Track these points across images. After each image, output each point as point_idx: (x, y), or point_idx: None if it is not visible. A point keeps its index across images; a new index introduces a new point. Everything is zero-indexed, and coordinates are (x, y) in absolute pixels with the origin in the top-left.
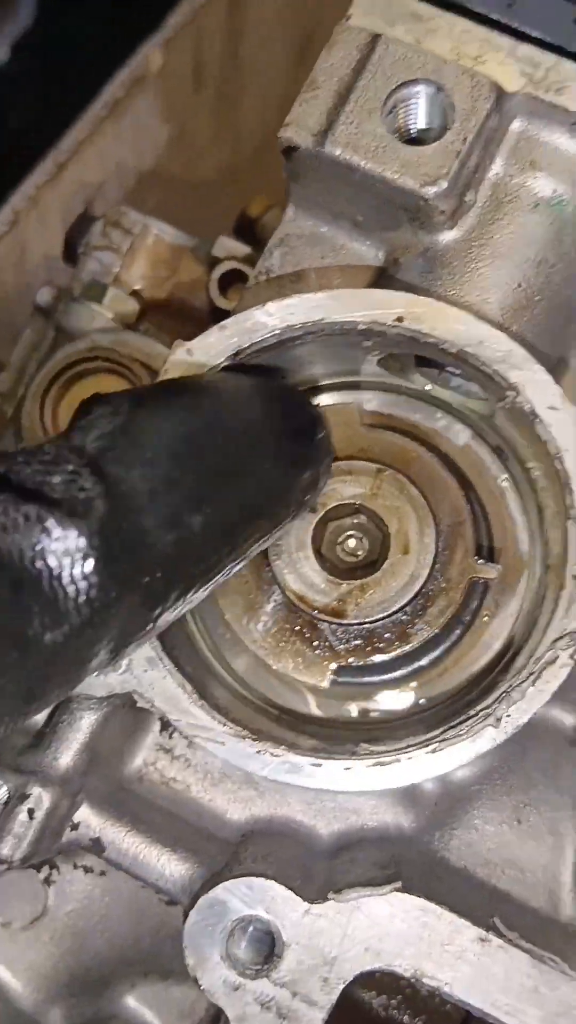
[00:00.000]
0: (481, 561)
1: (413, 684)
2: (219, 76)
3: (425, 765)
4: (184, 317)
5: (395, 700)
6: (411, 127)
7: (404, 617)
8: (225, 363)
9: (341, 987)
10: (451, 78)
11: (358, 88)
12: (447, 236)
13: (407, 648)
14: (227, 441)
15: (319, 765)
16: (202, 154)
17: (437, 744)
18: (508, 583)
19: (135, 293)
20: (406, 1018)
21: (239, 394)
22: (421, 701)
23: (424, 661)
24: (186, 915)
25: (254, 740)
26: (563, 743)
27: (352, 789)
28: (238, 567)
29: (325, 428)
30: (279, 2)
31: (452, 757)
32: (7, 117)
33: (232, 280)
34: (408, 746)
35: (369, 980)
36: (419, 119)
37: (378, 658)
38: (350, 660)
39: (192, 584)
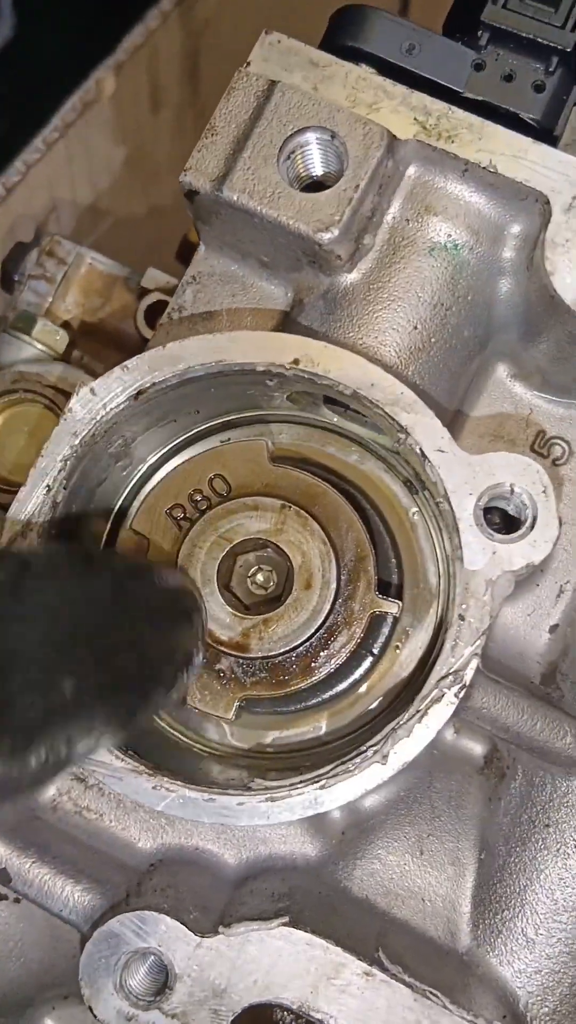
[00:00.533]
0: (382, 597)
1: (325, 713)
2: (178, 99)
3: (313, 799)
4: (116, 345)
5: (309, 729)
6: (309, 173)
7: (307, 650)
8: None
9: (231, 1018)
10: (344, 125)
11: (255, 134)
12: (346, 279)
13: (312, 680)
14: (105, 614)
15: (212, 800)
16: (159, 178)
17: (325, 780)
18: (418, 614)
19: (66, 324)
20: None
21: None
22: (331, 731)
23: (336, 690)
24: (82, 947)
25: (150, 775)
26: (470, 771)
27: (244, 823)
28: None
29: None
30: (237, 22)
31: (338, 793)
32: None
33: (160, 311)
34: (301, 781)
35: (262, 1017)
36: (314, 165)
37: (284, 691)
38: (257, 692)
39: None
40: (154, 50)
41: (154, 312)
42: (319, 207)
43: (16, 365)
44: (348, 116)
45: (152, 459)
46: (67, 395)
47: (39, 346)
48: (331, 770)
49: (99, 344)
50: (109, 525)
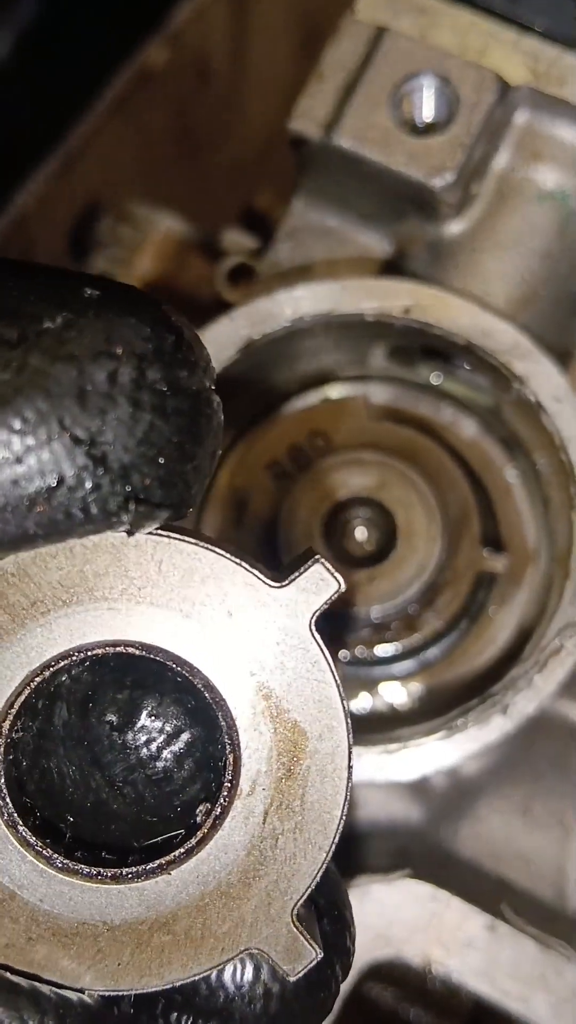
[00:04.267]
0: (488, 553)
1: (419, 676)
2: (225, 71)
3: (433, 754)
4: (192, 309)
5: (400, 692)
6: (417, 119)
7: (412, 608)
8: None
9: (356, 977)
10: (456, 71)
11: (365, 80)
12: (453, 228)
13: (414, 638)
14: None
15: None
16: (209, 149)
17: (445, 732)
18: (514, 575)
19: (144, 287)
20: (414, 1011)
21: None
22: (426, 694)
23: (430, 653)
24: None
25: None
26: (569, 736)
27: (359, 780)
28: None
29: None
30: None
31: (460, 746)
32: (10, 111)
33: (240, 274)
34: (414, 735)
35: (377, 971)
36: (425, 111)
37: (385, 648)
38: (356, 650)
39: None
40: (203, 23)
41: (233, 274)
42: (432, 152)
43: None
44: (459, 62)
45: (245, 418)
46: None
47: None
48: (447, 722)
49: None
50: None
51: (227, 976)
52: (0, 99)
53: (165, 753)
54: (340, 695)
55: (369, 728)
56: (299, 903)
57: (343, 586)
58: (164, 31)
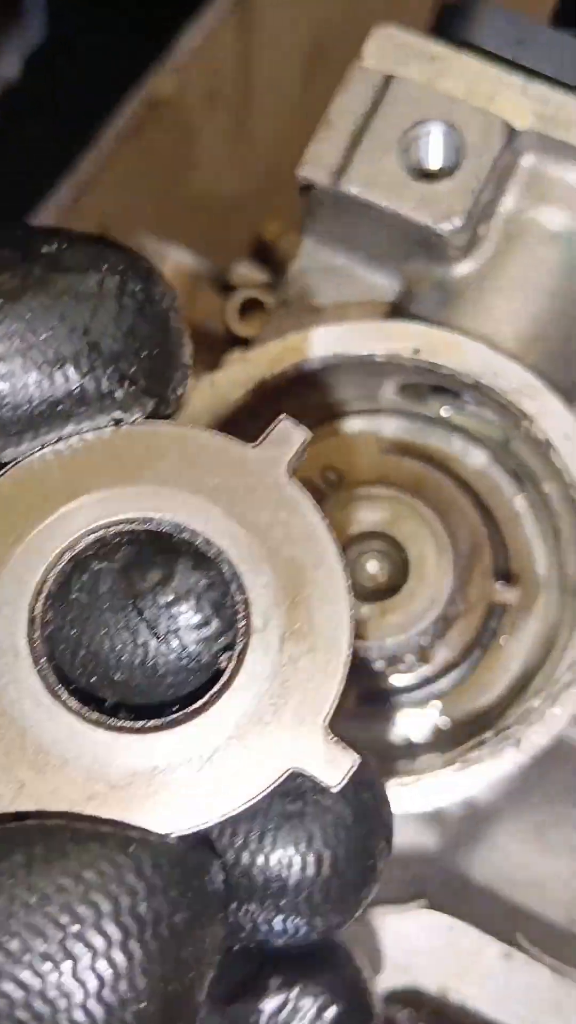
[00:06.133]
0: (500, 584)
1: (433, 706)
2: (232, 98)
3: (447, 786)
4: (202, 342)
5: (416, 722)
6: (425, 165)
7: (424, 639)
8: None
9: None
10: (463, 117)
11: (373, 127)
12: (462, 268)
13: (428, 669)
14: None
15: None
16: (217, 177)
17: (460, 764)
18: (525, 606)
19: None
20: None
21: None
22: (441, 725)
23: (444, 683)
24: None
25: None
26: None
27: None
28: None
29: None
30: (288, 23)
31: (474, 779)
32: (19, 132)
33: (249, 307)
34: (428, 767)
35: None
36: (432, 157)
37: (399, 679)
38: (370, 682)
39: None
40: (211, 50)
41: (244, 308)
42: (440, 198)
43: None
44: (466, 108)
45: None
46: None
47: None
48: (461, 754)
49: None
50: None
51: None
52: (8, 123)
53: (192, 617)
54: (326, 527)
55: (384, 760)
56: (327, 716)
57: (310, 434)
58: (172, 57)
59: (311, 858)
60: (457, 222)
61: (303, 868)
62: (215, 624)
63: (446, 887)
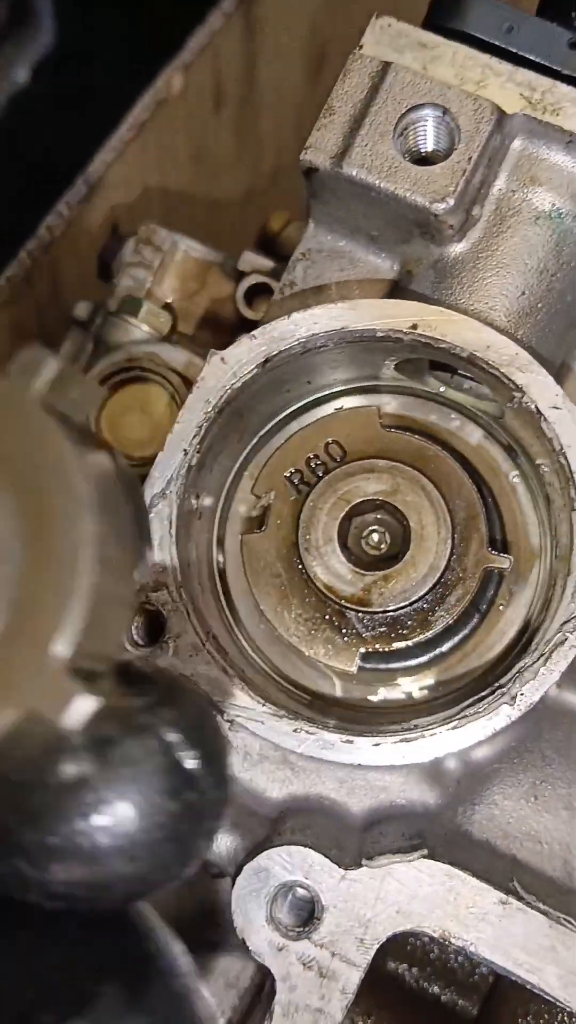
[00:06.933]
0: (494, 552)
1: (433, 670)
2: (238, 96)
3: (447, 740)
4: (213, 327)
5: (416, 685)
6: (420, 148)
7: (425, 605)
8: None
9: (376, 947)
10: (455, 102)
11: (371, 113)
12: (456, 248)
13: (428, 634)
14: None
15: (351, 742)
16: (223, 172)
17: (457, 721)
18: (521, 573)
19: (167, 306)
20: (436, 988)
21: None
22: (440, 686)
23: (443, 647)
24: (233, 882)
25: (291, 720)
26: (572, 724)
27: (381, 763)
28: None
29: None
30: (293, 22)
31: (471, 733)
32: (30, 138)
33: (257, 292)
34: (430, 724)
35: (400, 951)
36: (427, 141)
37: (401, 644)
38: (376, 646)
39: None
40: (216, 50)
41: (252, 293)
42: (434, 179)
43: (126, 346)
44: (459, 93)
45: (264, 429)
46: (179, 375)
47: (145, 328)
48: (459, 712)
49: (195, 327)
50: (225, 492)
51: None
52: (18, 125)
53: None
54: (73, 456)
55: (388, 718)
56: (58, 646)
57: (61, 364)
58: (180, 58)
59: None
60: (450, 202)
61: None
62: None
63: (447, 841)
